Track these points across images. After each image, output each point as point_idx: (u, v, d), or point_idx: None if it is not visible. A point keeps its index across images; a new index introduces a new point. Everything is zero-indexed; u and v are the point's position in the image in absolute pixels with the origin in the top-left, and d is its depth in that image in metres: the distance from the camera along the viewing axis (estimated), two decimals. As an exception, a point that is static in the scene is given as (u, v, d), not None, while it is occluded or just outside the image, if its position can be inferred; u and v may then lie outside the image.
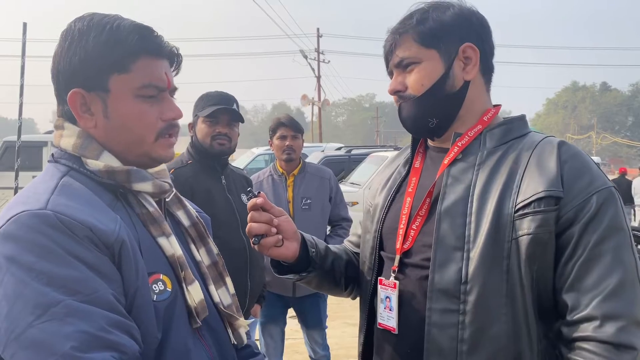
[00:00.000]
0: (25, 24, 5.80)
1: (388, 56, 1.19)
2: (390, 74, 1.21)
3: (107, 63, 0.94)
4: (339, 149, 11.12)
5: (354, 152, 10.10)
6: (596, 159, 14.60)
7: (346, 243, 1.46)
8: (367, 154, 9.25)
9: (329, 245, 1.34)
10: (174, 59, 1.03)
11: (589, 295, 0.99)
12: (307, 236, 1.27)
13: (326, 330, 3.27)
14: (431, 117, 1.16)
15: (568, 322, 1.02)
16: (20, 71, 5.78)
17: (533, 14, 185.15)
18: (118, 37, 0.94)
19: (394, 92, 1.19)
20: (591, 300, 0.99)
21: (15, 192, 5.92)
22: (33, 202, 0.85)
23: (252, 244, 1.15)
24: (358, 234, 1.40)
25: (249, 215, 1.14)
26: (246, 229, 1.14)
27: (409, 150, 1.31)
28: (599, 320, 0.98)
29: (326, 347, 3.23)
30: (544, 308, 1.05)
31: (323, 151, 10.59)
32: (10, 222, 0.83)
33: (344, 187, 7.78)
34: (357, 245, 1.39)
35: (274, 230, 1.15)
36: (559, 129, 72.53)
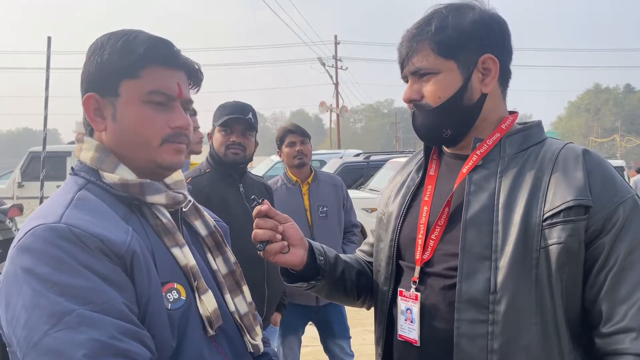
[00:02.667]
0: (49, 38, 5.93)
1: (404, 62, 1.15)
2: (405, 78, 1.18)
3: (118, 68, 0.99)
4: (358, 155, 11.08)
5: (372, 158, 10.06)
6: (620, 162, 14.29)
7: (358, 252, 1.44)
8: (386, 160, 9.21)
9: (339, 254, 1.32)
10: (192, 73, 1.06)
11: (624, 307, 0.98)
12: (316, 244, 1.25)
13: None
14: (446, 129, 1.14)
15: (603, 333, 1.00)
16: (45, 84, 5.91)
17: (554, 16, 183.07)
18: (131, 45, 0.99)
19: (409, 101, 1.16)
20: (626, 312, 0.98)
21: (41, 201, 6.04)
22: (49, 215, 0.89)
23: (257, 251, 1.15)
24: (370, 243, 1.38)
25: (254, 223, 1.14)
26: (252, 236, 1.14)
27: (420, 156, 1.28)
28: (635, 332, 0.97)
29: (352, 356, 3.20)
30: (572, 317, 1.04)
31: (341, 158, 10.57)
32: (27, 235, 0.87)
33: (363, 194, 7.75)
34: (370, 255, 1.37)
35: (278, 236, 1.15)
36: (582, 132, 71.28)
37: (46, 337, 0.80)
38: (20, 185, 10.71)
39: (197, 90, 1.09)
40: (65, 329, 0.80)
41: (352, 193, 4.01)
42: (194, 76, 1.07)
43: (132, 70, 0.99)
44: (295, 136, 3.07)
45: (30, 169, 10.65)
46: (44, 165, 6.20)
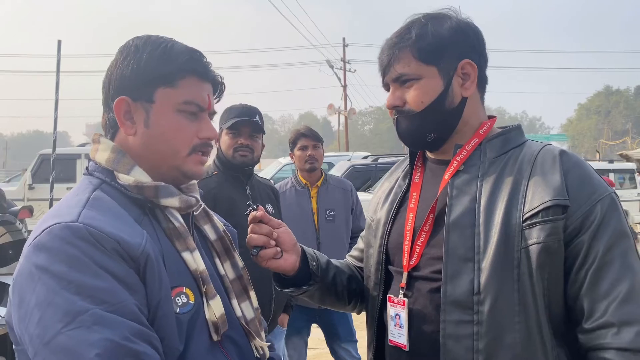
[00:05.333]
0: (59, 42, 6.00)
1: (385, 70, 1.19)
2: (386, 86, 1.22)
3: (156, 76, 1.00)
4: (366, 157, 11.05)
5: (380, 160, 10.02)
6: (631, 164, 14.16)
7: (348, 258, 1.47)
8: (394, 163, 9.13)
9: (330, 260, 1.35)
10: (217, 86, 1.09)
11: (604, 303, 1.00)
12: (308, 249, 1.28)
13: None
14: (429, 132, 1.17)
15: (585, 329, 1.02)
16: (55, 87, 5.97)
17: (563, 18, 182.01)
18: (170, 54, 1.01)
19: (392, 107, 1.19)
20: (607, 307, 1.00)
21: (51, 203, 6.09)
22: (66, 215, 0.90)
23: (251, 255, 1.17)
24: (360, 248, 1.41)
25: (249, 228, 1.17)
26: (246, 241, 1.17)
27: (407, 163, 1.31)
28: (616, 327, 0.99)
29: (359, 359, 3.19)
30: (554, 315, 1.06)
31: (350, 160, 10.55)
32: (44, 234, 0.87)
33: (371, 196, 7.71)
34: (360, 260, 1.39)
35: (272, 242, 1.17)
36: (592, 135, 70.73)
37: (59, 335, 0.80)
38: (30, 188, 10.80)
39: (218, 101, 1.12)
40: (78, 328, 0.80)
41: (360, 195, 4.01)
42: (218, 89, 1.10)
43: (170, 79, 1.01)
44: (307, 140, 3.09)
45: (40, 171, 10.75)
46: (54, 167, 6.26)
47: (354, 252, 1.47)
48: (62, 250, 0.85)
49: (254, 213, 1.17)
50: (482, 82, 1.21)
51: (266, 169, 11.92)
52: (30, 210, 6.38)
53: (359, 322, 3.34)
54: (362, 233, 1.41)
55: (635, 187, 12.77)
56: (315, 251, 1.31)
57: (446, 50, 1.15)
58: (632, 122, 69.73)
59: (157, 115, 1.01)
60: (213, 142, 2.76)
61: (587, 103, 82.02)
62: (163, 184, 1.01)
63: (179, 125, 1.02)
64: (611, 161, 13.85)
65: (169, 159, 1.03)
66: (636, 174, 12.96)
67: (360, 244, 1.43)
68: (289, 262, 1.20)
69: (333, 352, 3.22)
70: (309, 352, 3.27)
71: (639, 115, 72.88)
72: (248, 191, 2.44)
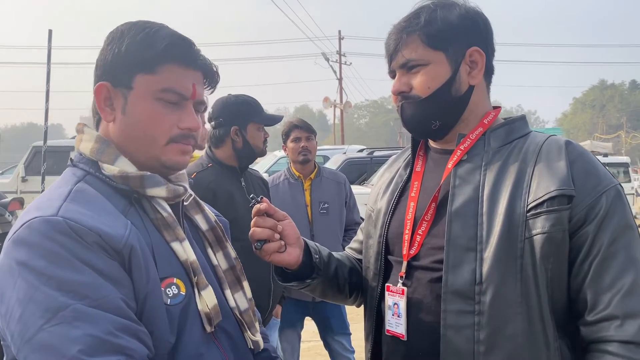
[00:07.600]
0: (50, 31, 5.94)
1: (392, 55, 1.17)
2: (392, 73, 1.20)
3: (135, 61, 0.97)
4: (361, 151, 11.05)
5: (375, 154, 10.03)
6: (625, 158, 14.21)
7: (348, 250, 1.45)
8: (389, 156, 9.11)
9: (331, 252, 1.33)
10: (209, 75, 1.04)
11: (608, 295, 0.99)
12: (310, 243, 1.26)
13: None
14: (434, 120, 1.15)
15: (588, 322, 1.01)
16: (46, 77, 5.92)
17: (559, 12, 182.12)
18: (151, 40, 0.97)
19: (398, 93, 1.17)
20: (611, 300, 0.99)
21: (43, 196, 6.05)
22: (46, 208, 0.88)
23: (254, 249, 1.13)
24: (359, 240, 1.39)
25: (253, 221, 1.14)
26: (249, 234, 1.13)
27: (408, 153, 1.29)
28: (619, 320, 0.98)
29: (352, 352, 3.19)
30: (557, 307, 1.05)
31: (345, 153, 10.54)
32: (23, 228, 0.85)
33: (366, 189, 7.74)
34: (359, 252, 1.38)
35: (277, 236, 1.14)
36: (586, 129, 71.00)
37: (40, 331, 0.78)
38: (23, 180, 10.74)
39: (212, 92, 1.08)
40: (60, 324, 0.78)
41: (355, 189, 3.99)
42: (211, 77, 1.05)
43: (148, 65, 0.97)
44: (301, 132, 3.07)
45: (33, 164, 10.69)
46: (45, 159, 6.22)
47: (353, 245, 1.45)
48: (41, 245, 0.83)
49: (258, 206, 1.14)
50: (489, 72, 1.20)
51: (261, 162, 11.89)
52: (21, 203, 6.34)
53: (354, 314, 3.32)
54: (362, 225, 1.38)
55: (629, 181, 12.84)
56: (317, 244, 1.29)
57: (455, 36, 1.13)
58: (627, 117, 69.96)
59: (134, 102, 0.98)
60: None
61: (582, 97, 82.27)
62: (148, 173, 0.98)
63: (156, 113, 0.98)
64: (605, 155, 13.90)
65: (146, 148, 0.99)
66: (630, 169, 13.02)
67: (359, 235, 1.41)
68: (292, 255, 1.17)
69: (326, 344, 3.21)
70: (302, 345, 3.27)
71: (633, 109, 73.18)
72: (243, 183, 2.43)
